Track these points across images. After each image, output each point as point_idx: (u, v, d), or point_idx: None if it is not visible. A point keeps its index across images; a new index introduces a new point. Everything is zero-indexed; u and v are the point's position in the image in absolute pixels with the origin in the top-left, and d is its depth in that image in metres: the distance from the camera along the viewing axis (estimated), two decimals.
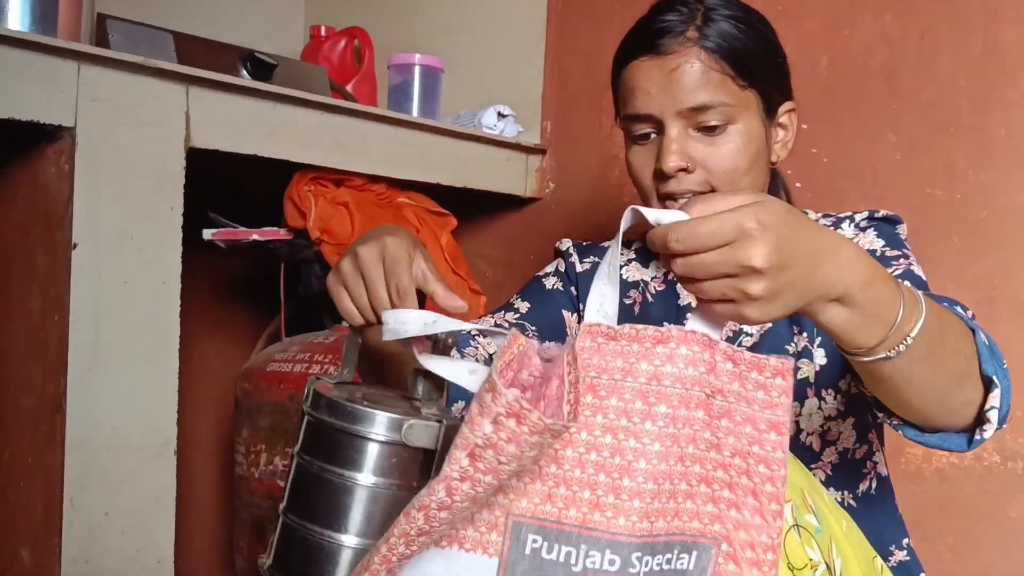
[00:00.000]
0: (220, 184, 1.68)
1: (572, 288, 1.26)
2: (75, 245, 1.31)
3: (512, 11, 1.99)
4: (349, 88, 1.98)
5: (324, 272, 1.75)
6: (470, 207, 1.99)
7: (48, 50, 1.27)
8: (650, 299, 1.22)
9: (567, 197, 1.93)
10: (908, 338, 0.79)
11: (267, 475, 1.72)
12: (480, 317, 1.29)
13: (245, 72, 1.66)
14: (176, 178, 1.41)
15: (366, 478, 0.84)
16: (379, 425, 0.84)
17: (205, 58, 1.57)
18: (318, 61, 2.02)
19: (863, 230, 1.12)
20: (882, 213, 1.15)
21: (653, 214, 0.73)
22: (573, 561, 0.73)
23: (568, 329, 1.25)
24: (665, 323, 1.13)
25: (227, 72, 1.54)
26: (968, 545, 1.45)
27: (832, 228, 1.12)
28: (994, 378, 0.86)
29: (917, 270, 1.06)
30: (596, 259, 1.26)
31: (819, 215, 1.19)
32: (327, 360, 1.73)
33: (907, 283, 0.85)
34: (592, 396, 0.75)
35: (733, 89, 1.07)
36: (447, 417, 0.85)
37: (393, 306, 0.88)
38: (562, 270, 1.28)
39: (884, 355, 0.80)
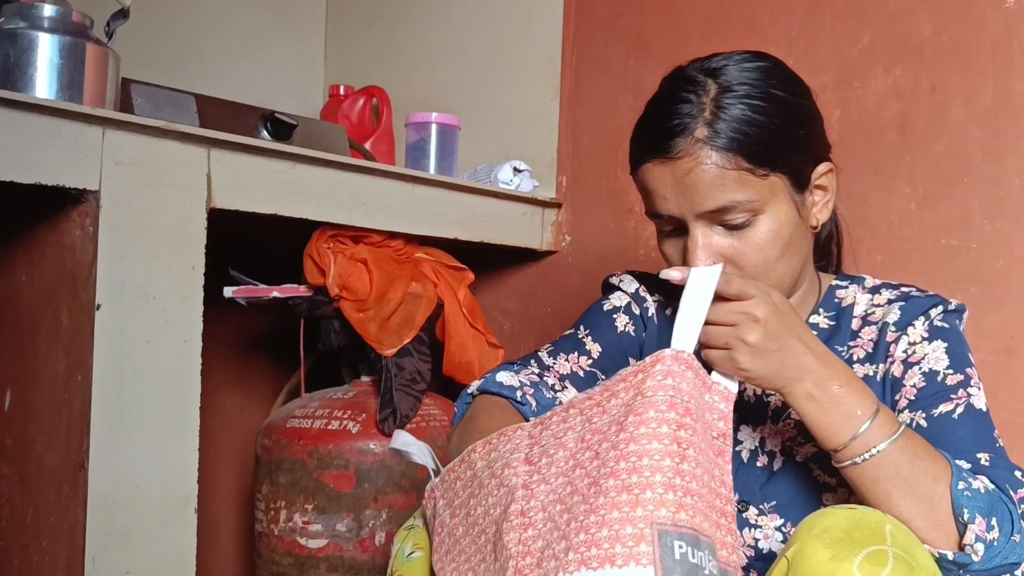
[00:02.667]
0: (240, 242, 1.70)
1: (644, 333, 1.23)
2: (99, 306, 1.33)
3: (527, 68, 2.02)
4: (368, 146, 2.01)
5: (343, 328, 1.76)
6: (487, 261, 2.01)
7: (74, 116, 1.29)
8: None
9: (583, 249, 1.94)
10: (874, 449, 0.92)
11: (287, 532, 1.71)
12: (546, 347, 1.24)
13: (266, 132, 1.69)
14: (198, 238, 1.43)
15: None
16: None
17: (227, 119, 1.60)
18: (337, 120, 2.06)
19: (931, 337, 1.07)
20: (954, 305, 1.11)
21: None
22: (709, 563, 0.80)
23: None
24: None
25: (248, 132, 1.57)
26: None
27: (899, 310, 1.11)
28: (962, 516, 0.90)
29: (976, 399, 1.02)
30: (660, 296, 1.24)
31: (878, 282, 1.16)
32: (346, 416, 1.74)
33: (951, 411, 1.00)
34: (690, 418, 0.86)
35: (753, 182, 1.01)
36: None
37: None
38: (636, 313, 1.24)
39: (851, 461, 0.93)
